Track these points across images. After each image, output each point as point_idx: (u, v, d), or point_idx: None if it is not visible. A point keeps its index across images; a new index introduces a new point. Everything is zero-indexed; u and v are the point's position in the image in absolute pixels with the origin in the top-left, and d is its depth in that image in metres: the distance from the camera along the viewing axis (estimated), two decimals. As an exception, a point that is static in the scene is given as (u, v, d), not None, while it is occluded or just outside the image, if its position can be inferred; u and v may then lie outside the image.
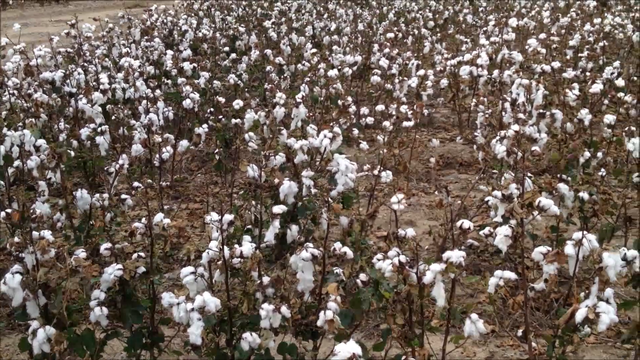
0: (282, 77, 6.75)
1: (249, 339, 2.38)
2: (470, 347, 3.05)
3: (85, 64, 6.57)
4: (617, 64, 5.79)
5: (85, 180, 4.92)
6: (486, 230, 2.90)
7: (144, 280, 2.70)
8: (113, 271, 2.54)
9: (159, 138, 4.30)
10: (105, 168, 4.27)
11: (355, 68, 6.77)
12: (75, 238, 3.71)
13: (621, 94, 5.03)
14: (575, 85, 5.46)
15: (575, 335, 2.46)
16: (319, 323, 2.34)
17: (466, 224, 2.56)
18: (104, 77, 5.45)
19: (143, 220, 2.70)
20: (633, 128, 3.87)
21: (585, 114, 4.53)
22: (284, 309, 2.40)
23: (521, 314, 2.93)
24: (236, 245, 2.49)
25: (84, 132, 4.64)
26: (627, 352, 2.91)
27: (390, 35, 7.90)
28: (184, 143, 4.79)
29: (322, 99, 6.02)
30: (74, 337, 2.56)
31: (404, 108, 5.06)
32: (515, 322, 3.15)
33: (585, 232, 2.48)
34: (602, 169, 3.87)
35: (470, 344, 3.07)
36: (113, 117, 5.09)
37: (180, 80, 6.09)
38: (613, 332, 3.05)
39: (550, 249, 2.56)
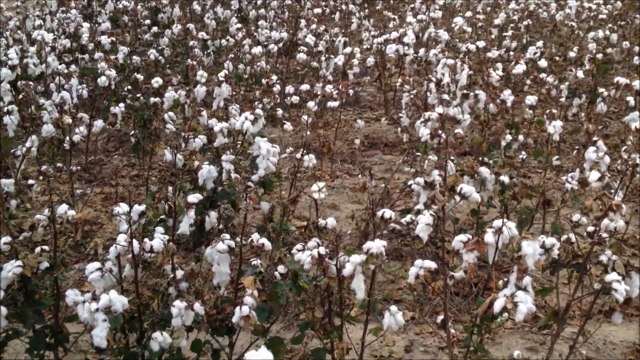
0: (205, 52, 6.54)
1: (159, 338, 2.26)
2: (389, 336, 3.01)
3: (-5, 37, 6.19)
4: (540, 43, 5.86)
5: (-10, 163, 4.64)
6: (408, 217, 2.85)
7: (47, 275, 2.53)
8: (12, 267, 2.36)
9: (69, 119, 4.06)
10: (12, 151, 4.02)
11: (281, 45, 6.62)
12: (-22, 227, 3.48)
13: (543, 75, 5.08)
14: (499, 65, 5.50)
15: (493, 323, 2.46)
16: (234, 319, 2.25)
17: (387, 213, 2.51)
18: (12, 52, 5.11)
19: (46, 211, 2.52)
20: (554, 111, 3.90)
21: (507, 95, 4.55)
22: (197, 306, 2.28)
23: (441, 300, 2.92)
24: (146, 239, 2.35)
25: (-10, 111, 4.35)
26: (544, 338, 2.94)
27: (317, 10, 7.78)
28: (99, 123, 4.56)
29: (246, 76, 5.87)
30: (-30, 339, 2.38)
31: (329, 87, 4.97)
32: (435, 308, 3.14)
33: (505, 220, 2.46)
34: (523, 152, 3.89)
35: (390, 333, 3.03)
36: (22, 96, 4.79)
37: (97, 55, 5.80)
38: (530, 317, 3.07)
39: (470, 237, 2.53)
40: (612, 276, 2.39)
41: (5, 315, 2.35)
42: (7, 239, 2.55)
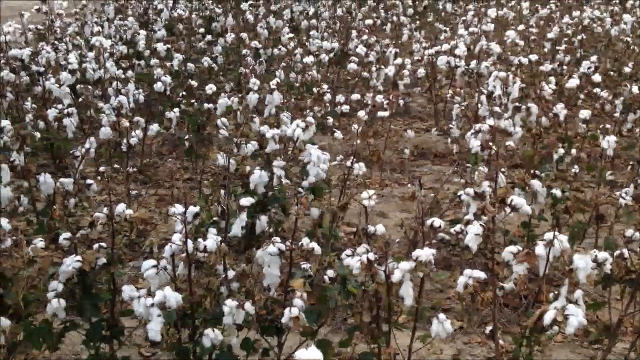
0: (257, 61, 6.64)
1: (211, 335, 2.33)
2: (437, 344, 3.01)
3: (56, 42, 6.39)
4: (594, 58, 5.78)
5: (51, 162, 4.80)
6: (457, 227, 2.86)
7: (104, 271, 2.62)
8: (72, 262, 2.44)
9: (127, 122, 4.18)
10: (72, 151, 4.16)
11: (332, 54, 6.68)
12: (38, 223, 3.62)
13: (597, 90, 5.01)
14: (552, 78, 5.44)
15: (543, 336, 2.45)
16: (283, 320, 2.29)
17: (437, 222, 2.52)
18: (72, 57, 5.29)
19: (105, 210, 2.61)
20: (608, 125, 3.84)
21: (560, 109, 4.51)
22: (247, 305, 2.34)
23: (489, 311, 2.91)
24: (200, 239, 2.42)
25: (51, 113, 4.51)
26: (594, 353, 2.90)
27: (368, 22, 7.82)
28: (154, 127, 4.69)
29: (297, 85, 5.94)
30: (31, 329, 2.48)
31: (379, 97, 5.00)
32: (484, 319, 3.13)
33: (556, 233, 2.45)
34: (576, 166, 3.85)
35: (438, 341, 3.03)
36: (81, 99, 4.96)
37: (153, 61, 5.95)
38: (581, 331, 3.03)
39: (520, 248, 2.53)
40: (667, 292, 2.36)
41: (64, 307, 2.45)
42: (66, 235, 2.66)
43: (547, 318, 2.28)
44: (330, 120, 5.14)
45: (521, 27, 7.05)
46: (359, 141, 4.00)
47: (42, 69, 5.03)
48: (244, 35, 7.10)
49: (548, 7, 8.59)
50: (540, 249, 2.46)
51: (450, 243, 3.85)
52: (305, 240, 2.50)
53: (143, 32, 6.89)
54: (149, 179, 4.78)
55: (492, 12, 7.18)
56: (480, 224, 2.55)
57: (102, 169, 3.96)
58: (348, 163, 3.68)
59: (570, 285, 2.37)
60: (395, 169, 5.06)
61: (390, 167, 5.05)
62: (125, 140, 4.26)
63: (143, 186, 4.67)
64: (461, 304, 2.83)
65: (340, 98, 5.65)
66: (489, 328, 2.65)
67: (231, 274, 2.52)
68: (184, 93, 5.34)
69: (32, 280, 2.53)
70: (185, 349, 2.50)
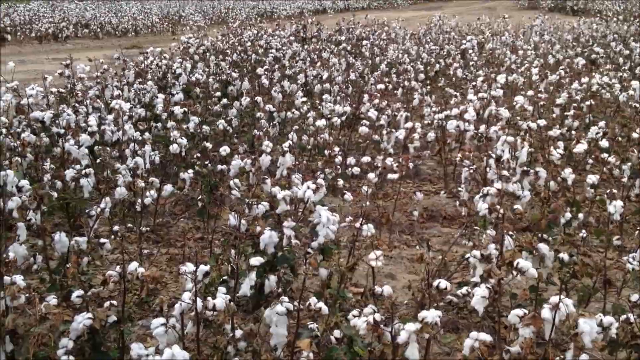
0: (271, 124, 6.79)
1: (217, 395, 2.35)
2: (445, 408, 3.00)
3: (77, 105, 6.59)
4: (602, 123, 5.86)
5: (66, 221, 4.89)
6: (464, 290, 2.90)
7: (114, 329, 2.66)
8: (83, 320, 2.50)
9: (142, 183, 4.28)
10: (87, 210, 4.24)
11: (344, 118, 6.82)
12: (51, 281, 3.67)
13: (605, 155, 5.07)
14: (561, 143, 5.52)
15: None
16: (290, 380, 2.31)
17: (443, 284, 2.55)
18: (92, 119, 5.46)
19: (117, 268, 2.68)
20: (615, 190, 3.89)
21: (568, 173, 4.56)
22: (254, 364, 2.36)
23: (498, 376, 2.89)
24: (209, 298, 2.47)
25: (69, 173, 4.63)
26: (603, 419, 2.87)
27: (380, 86, 8.00)
28: (168, 187, 4.79)
29: (309, 147, 6.05)
30: (40, 386, 2.51)
31: (389, 160, 5.08)
32: (492, 384, 3.10)
33: (562, 296, 2.47)
34: (583, 230, 3.87)
35: (445, 405, 3.03)
36: (99, 160, 5.08)
37: (170, 124, 6.11)
38: (590, 397, 3.01)
39: (526, 312, 2.55)
40: (673, 358, 2.37)
41: (74, 364, 2.48)
42: (79, 292, 2.72)
43: (553, 382, 2.28)
44: (340, 182, 5.22)
45: (530, 92, 7.17)
46: (368, 203, 4.05)
47: (62, 131, 5.17)
48: (258, 98, 7.27)
49: (557, 73, 8.74)
50: (546, 312, 2.48)
51: (458, 306, 3.88)
52: (312, 300, 2.54)
53: (161, 96, 7.08)
54: (161, 239, 4.85)
55: (501, 78, 7.33)
56: (487, 287, 2.58)
57: (115, 228, 4.03)
58: (357, 224, 3.72)
59: (576, 350, 2.38)
60: (404, 230, 5.10)
61: (399, 229, 5.09)
62: (139, 200, 4.34)
63: (155, 245, 4.74)
64: (468, 367, 2.82)
65: (351, 160, 5.75)
66: (496, 392, 2.64)
67: (239, 333, 2.55)
68: (198, 154, 5.46)
69: (43, 337, 2.58)
70: (192, 408, 2.51)
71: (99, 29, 20.92)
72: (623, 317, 2.61)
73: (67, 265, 3.64)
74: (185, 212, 5.43)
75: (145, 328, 3.52)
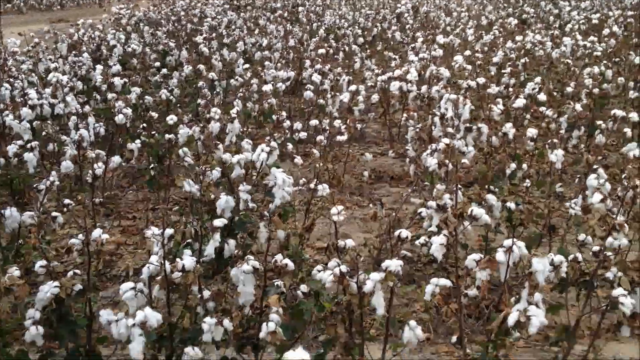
0: (214, 92, 6.74)
1: (191, 353, 2.39)
2: (406, 355, 3.12)
3: (11, 79, 6.37)
4: (538, 79, 6.07)
5: (11, 199, 4.77)
6: (421, 239, 3.00)
7: (79, 298, 2.65)
8: (49, 289, 2.48)
9: (92, 154, 4.22)
10: (35, 185, 4.16)
11: (287, 83, 6.83)
12: (3, 258, 3.61)
13: (542, 108, 5.27)
14: (499, 100, 5.70)
15: (507, 339, 2.58)
16: (261, 335, 2.36)
17: (404, 233, 2.64)
18: (32, 93, 5.30)
19: (80, 236, 2.66)
20: (555, 140, 4.06)
21: (509, 128, 4.73)
22: (226, 322, 2.41)
23: (455, 321, 3.03)
24: (177, 259, 2.49)
25: (11, 148, 4.51)
26: (555, 355, 3.04)
27: (321, 51, 8.03)
28: (116, 159, 4.72)
29: (255, 114, 6.05)
30: (8, 358, 2.49)
31: (337, 122, 5.15)
32: (449, 329, 3.25)
33: (514, 240, 2.60)
34: (527, 180, 4.04)
35: (407, 352, 3.14)
36: (43, 134, 4.96)
37: (110, 95, 5.99)
38: (541, 335, 3.19)
39: (482, 256, 2.67)
40: (618, 291, 2.53)
41: (42, 334, 2.47)
42: (42, 262, 2.69)
43: (511, 319, 2.41)
44: (289, 146, 5.25)
45: (467, 52, 7.33)
46: (320, 164, 4.11)
47: (0, 105, 5.02)
48: (201, 67, 7.19)
49: (492, 33, 8.95)
50: (500, 255, 2.61)
51: (412, 259, 4.01)
52: (278, 257, 2.59)
53: (99, 68, 6.91)
54: (111, 211, 4.80)
55: (440, 39, 7.46)
56: (444, 235, 2.68)
57: (66, 201, 3.97)
58: (311, 185, 3.78)
59: (531, 288, 2.52)
60: (354, 192, 5.20)
61: (349, 191, 5.18)
62: (90, 172, 4.28)
63: (106, 218, 4.69)
64: (428, 312, 2.95)
65: (297, 125, 5.79)
66: (455, 337, 2.78)
67: (207, 293, 2.59)
68: (144, 125, 5.39)
69: (6, 311, 2.55)
70: (164, 370, 2.55)
71: (22, 3, 20.09)
72: (571, 256, 2.76)
73: (19, 241, 3.59)
74: (133, 184, 5.37)
75: (106, 299, 3.51)
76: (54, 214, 3.72)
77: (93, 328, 2.71)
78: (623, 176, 3.83)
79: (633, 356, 3.11)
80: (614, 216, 3.57)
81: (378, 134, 6.72)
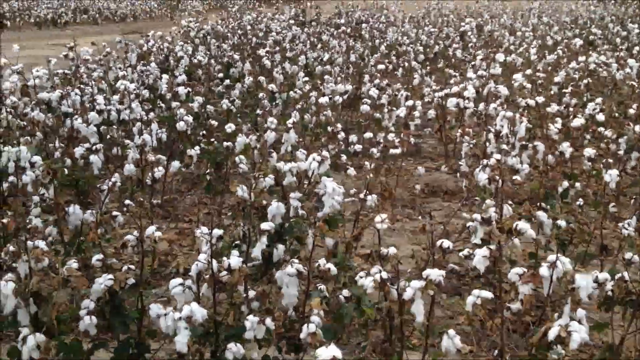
0: (274, 103, 6.90)
1: (234, 349, 2.47)
2: (448, 366, 3.13)
3: (82, 86, 6.68)
4: (599, 99, 5.97)
5: (76, 199, 5.00)
6: (465, 251, 3.02)
7: (132, 293, 2.78)
8: (104, 281, 2.62)
9: (152, 157, 4.39)
10: (98, 186, 4.35)
11: (345, 97, 6.92)
12: (65, 252, 3.79)
13: (601, 129, 5.19)
14: (559, 119, 5.63)
15: (549, 355, 2.56)
16: (302, 336, 2.42)
17: (445, 243, 2.68)
18: (100, 98, 5.56)
19: (135, 232, 2.80)
20: (610, 160, 4.01)
21: (566, 147, 4.68)
22: (268, 321, 2.49)
23: (498, 336, 3.03)
24: (224, 258, 2.59)
25: (78, 150, 4.74)
26: (599, 374, 3.00)
27: (381, 67, 8.10)
28: (175, 164, 4.90)
29: (312, 125, 6.16)
30: (63, 346, 2.63)
31: (391, 135, 5.20)
32: (493, 344, 3.24)
33: (559, 255, 2.60)
34: (580, 199, 4.00)
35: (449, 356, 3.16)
36: (107, 137, 5.20)
37: (174, 104, 6.21)
38: (587, 355, 3.14)
39: (525, 270, 2.68)
40: (663, 311, 2.49)
41: (95, 324, 2.61)
42: (99, 256, 2.84)
43: (552, 334, 2.41)
44: (343, 158, 5.33)
45: (528, 71, 7.27)
46: (371, 175, 4.17)
47: (69, 110, 5.28)
48: (261, 78, 7.37)
49: (555, 53, 8.85)
50: (544, 269, 2.61)
51: (460, 273, 4.02)
52: (322, 261, 2.66)
53: (165, 77, 7.17)
54: (169, 214, 4.97)
55: (500, 57, 7.43)
56: (487, 247, 2.70)
57: (127, 202, 4.15)
58: (361, 195, 3.84)
59: (573, 304, 2.51)
60: (406, 205, 5.22)
61: (401, 204, 5.22)
62: (150, 175, 4.46)
63: (164, 220, 4.86)
64: (471, 324, 2.96)
65: (353, 138, 5.86)
66: (497, 350, 2.78)
67: (252, 293, 2.68)
68: (203, 132, 5.57)
69: (64, 303, 2.70)
70: (209, 364, 2.64)
71: (97, 15, 20.94)
72: (618, 275, 2.73)
73: (81, 238, 3.77)
74: (191, 189, 5.55)
75: (158, 297, 3.64)
76: (114, 213, 3.90)
77: (144, 323, 2.83)
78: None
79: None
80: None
81: (434, 149, 6.73)
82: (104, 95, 6.51)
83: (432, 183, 5.66)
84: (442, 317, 3.50)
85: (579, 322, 2.49)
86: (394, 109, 6.38)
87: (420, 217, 4.66)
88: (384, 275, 2.51)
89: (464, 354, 3.24)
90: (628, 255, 2.78)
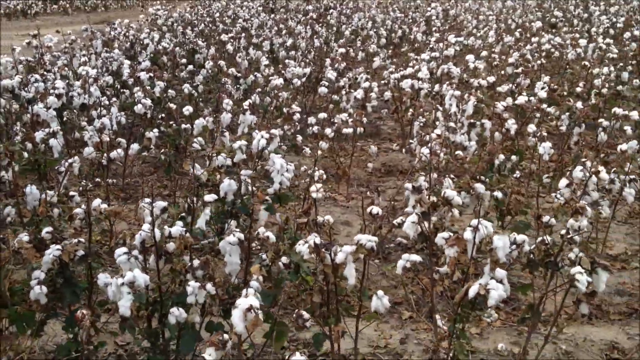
0: (236, 87, 7.01)
1: (176, 313, 2.61)
2: (387, 331, 3.32)
3: (45, 73, 6.75)
4: (546, 78, 6.17)
5: (37, 182, 5.10)
6: (399, 219, 3.20)
7: (82, 264, 2.91)
8: (52, 251, 2.74)
9: (107, 138, 4.51)
10: (56, 167, 4.47)
11: (305, 80, 7.06)
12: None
13: (545, 106, 5.39)
14: (509, 98, 5.83)
15: (479, 316, 2.75)
16: (237, 301, 2.58)
17: (375, 209, 2.84)
18: (59, 82, 5.64)
19: (83, 206, 2.93)
20: (545, 134, 4.20)
21: (511, 124, 4.87)
22: (209, 285, 2.63)
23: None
24: (166, 227, 2.73)
25: (39, 135, 4.84)
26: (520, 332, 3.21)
27: (341, 50, 8.24)
28: (134, 146, 5.01)
29: (271, 108, 6.30)
30: (15, 315, 2.76)
31: (344, 115, 5.36)
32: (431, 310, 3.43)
33: (481, 219, 2.78)
34: (517, 172, 4.19)
35: (388, 328, 3.34)
36: (68, 122, 5.29)
37: (136, 89, 6.30)
38: (517, 317, 3.35)
39: (451, 234, 2.86)
40: (576, 269, 2.68)
41: (45, 293, 2.74)
42: (49, 228, 2.96)
43: (471, 292, 2.57)
44: (299, 138, 5.48)
45: (484, 53, 7.46)
46: (320, 152, 4.32)
47: (30, 95, 5.36)
48: (222, 63, 7.48)
49: (513, 35, 9.04)
50: (467, 233, 2.78)
51: (407, 246, 4.20)
52: (261, 230, 2.82)
53: (127, 62, 7.25)
54: (129, 196, 5.09)
55: (452, 38, 7.61)
56: (416, 213, 2.88)
57: (83, 182, 4.27)
58: (309, 172, 4.00)
59: (492, 264, 2.69)
60: (362, 184, 5.40)
61: (357, 183, 5.39)
62: (105, 155, 4.57)
63: (124, 203, 4.98)
64: (403, 287, 3.14)
65: (311, 120, 6.01)
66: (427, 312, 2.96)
67: (196, 262, 2.82)
68: (163, 115, 5.68)
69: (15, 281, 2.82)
70: (155, 332, 2.79)
71: (68, 5, 20.80)
72: (539, 238, 2.92)
73: (39, 217, 3.89)
74: (153, 173, 5.67)
75: (114, 271, 3.77)
76: (71, 193, 4.01)
77: (95, 291, 2.96)
78: (613, 170, 3.96)
79: (603, 338, 3.25)
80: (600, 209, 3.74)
81: (393, 131, 6.90)
82: (67, 81, 6.59)
83: (388, 162, 5.84)
84: (387, 287, 3.68)
85: (501, 281, 2.68)
86: (352, 91, 6.54)
87: (368, 193, 4.83)
88: (317, 240, 2.67)
89: (404, 319, 3.46)
90: (545, 218, 2.97)
